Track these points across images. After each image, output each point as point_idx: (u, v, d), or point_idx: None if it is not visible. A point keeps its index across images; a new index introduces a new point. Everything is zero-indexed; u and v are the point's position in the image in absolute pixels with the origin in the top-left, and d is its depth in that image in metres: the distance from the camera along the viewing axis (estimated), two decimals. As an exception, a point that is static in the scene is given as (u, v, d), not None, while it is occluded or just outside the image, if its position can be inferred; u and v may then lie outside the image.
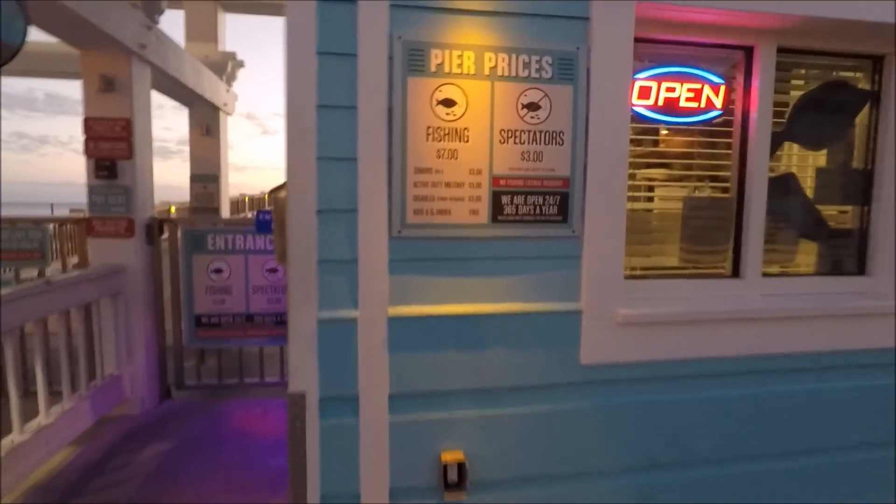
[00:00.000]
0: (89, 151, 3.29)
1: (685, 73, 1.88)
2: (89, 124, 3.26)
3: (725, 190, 1.96)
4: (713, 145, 1.96)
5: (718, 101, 1.91)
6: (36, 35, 3.21)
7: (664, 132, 1.95)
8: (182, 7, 6.09)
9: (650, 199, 2.02)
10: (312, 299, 1.50)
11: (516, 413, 1.65)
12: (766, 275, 1.94)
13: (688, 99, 1.89)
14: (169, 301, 3.75)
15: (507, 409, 1.64)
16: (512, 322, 1.62)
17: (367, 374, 1.54)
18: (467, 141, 1.52)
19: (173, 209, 9.44)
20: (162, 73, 3.85)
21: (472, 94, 1.51)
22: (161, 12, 3.46)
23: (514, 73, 1.53)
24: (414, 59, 1.47)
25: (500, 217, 1.57)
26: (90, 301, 3.18)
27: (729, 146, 1.94)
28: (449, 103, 1.50)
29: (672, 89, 1.88)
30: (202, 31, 6.07)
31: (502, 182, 1.55)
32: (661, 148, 2.03)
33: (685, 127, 1.93)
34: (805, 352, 1.84)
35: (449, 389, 1.60)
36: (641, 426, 1.73)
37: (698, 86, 1.89)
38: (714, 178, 1.98)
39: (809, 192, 2.05)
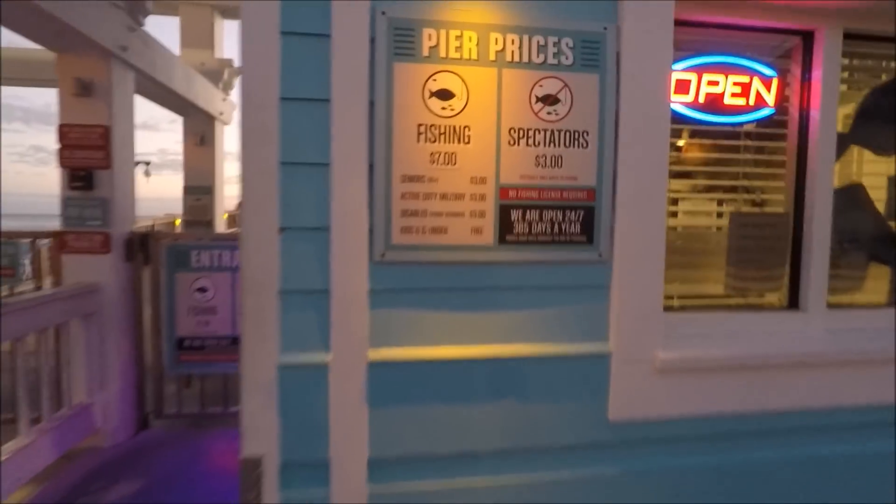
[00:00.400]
0: (63, 161, 3.04)
1: (731, 63, 1.58)
2: (64, 131, 3.02)
3: (779, 204, 1.64)
4: (765, 150, 1.64)
5: (771, 98, 1.59)
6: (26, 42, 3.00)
7: (687, 136, 1.64)
8: (177, 13, 5.94)
9: (688, 214, 1.70)
10: (272, 339, 1.20)
11: (529, 482, 1.31)
12: (831, 306, 1.60)
13: (734, 95, 1.58)
14: (150, 322, 3.47)
15: (517, 475, 1.31)
16: (523, 368, 1.30)
17: (340, 433, 1.22)
18: (468, 142, 1.22)
19: (178, 221, 9.27)
20: (148, 79, 3.62)
21: (475, 83, 1.21)
22: (146, 13, 3.23)
23: (526, 59, 1.23)
24: (402, 41, 1.18)
25: (508, 237, 1.26)
26: (58, 323, 2.90)
27: (783, 151, 1.62)
28: (445, 95, 1.20)
29: (715, 83, 1.57)
30: (198, 37, 5.89)
31: (512, 193, 1.25)
32: (702, 153, 1.71)
33: (731, 128, 1.62)
34: (885, 403, 1.50)
35: (444, 452, 1.28)
36: (685, 499, 1.39)
37: (746, 79, 1.58)
38: (766, 190, 1.66)
39: (881, 206, 1.72)
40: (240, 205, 1.18)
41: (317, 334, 1.22)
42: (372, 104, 1.18)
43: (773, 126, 1.63)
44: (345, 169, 1.18)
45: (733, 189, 1.69)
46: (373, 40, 1.17)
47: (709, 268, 1.67)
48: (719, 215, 1.67)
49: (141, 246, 3.41)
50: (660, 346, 1.35)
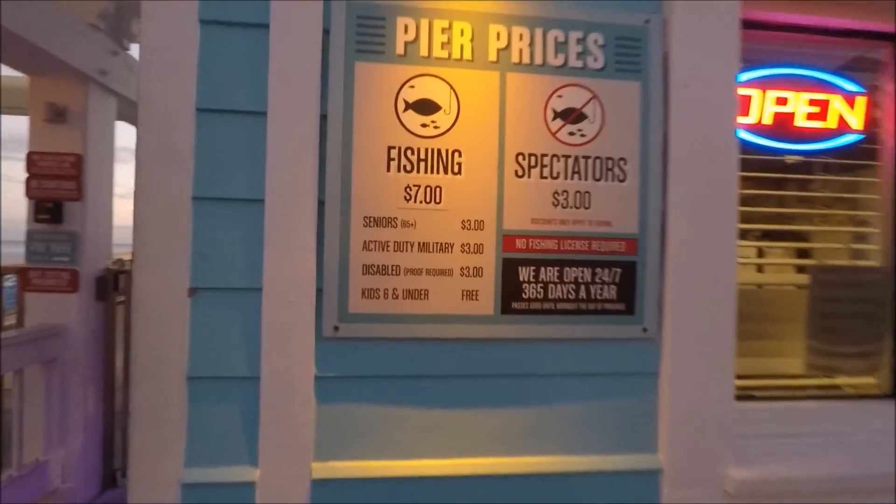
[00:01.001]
0: (30, 191, 2.78)
1: (803, 76, 1.23)
2: (32, 160, 2.77)
3: (874, 256, 1.25)
4: (853, 186, 1.27)
5: (856, 120, 1.24)
6: None
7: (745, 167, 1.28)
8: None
9: (752, 269, 1.32)
10: (174, 447, 0.83)
11: None
12: (953, 395, 1.19)
13: (809, 116, 1.23)
14: (122, 368, 3.12)
15: None
16: (537, 489, 0.91)
17: (267, 590, 0.84)
18: (458, 172, 0.87)
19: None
20: (133, 105, 3.41)
21: (468, 92, 0.88)
22: (132, 37, 3.04)
23: (539, 60, 0.89)
24: (368, 34, 0.86)
25: (515, 304, 0.89)
26: (14, 370, 2.56)
27: (876, 188, 1.25)
28: (427, 108, 0.87)
29: (783, 100, 1.22)
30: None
31: (520, 244, 0.89)
32: (766, 189, 1.35)
33: (804, 157, 1.26)
34: None
35: None
36: None
37: (823, 96, 1.23)
38: (855, 238, 1.27)
39: None
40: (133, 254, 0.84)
41: (240, 441, 0.85)
42: (324, 119, 0.85)
43: (859, 156, 1.26)
44: (284, 207, 0.84)
45: (802, 237, 1.31)
46: (327, 32, 0.85)
47: (782, 338, 1.27)
48: (798, 269, 1.28)
49: (115, 284, 3.11)
50: (731, 459, 0.95)
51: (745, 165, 1.36)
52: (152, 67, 0.81)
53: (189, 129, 0.83)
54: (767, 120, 1.21)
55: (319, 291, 0.86)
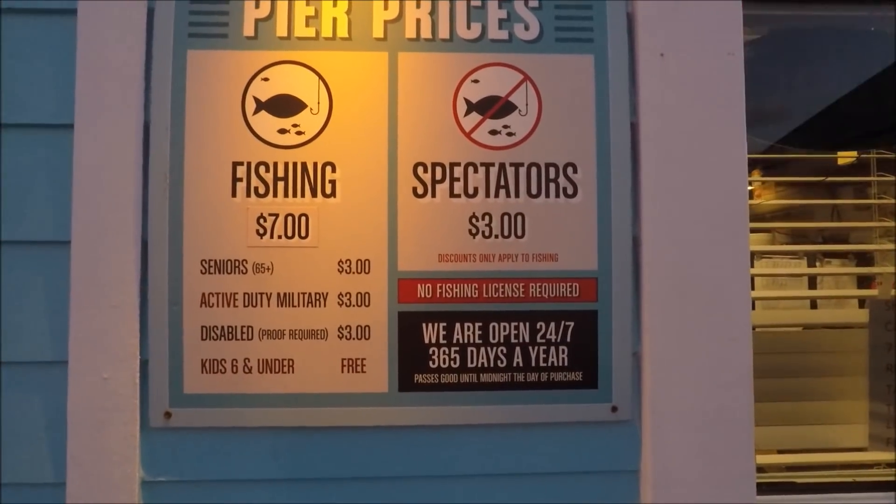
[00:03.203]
0: None
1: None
2: None
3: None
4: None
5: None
6: None
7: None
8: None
9: (770, 305, 1.00)
10: (-48, 584, 0.61)
11: None
12: None
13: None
14: None
15: None
16: None
17: None
18: (332, 194, 0.63)
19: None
20: None
21: (344, 83, 0.63)
22: None
23: (445, 34, 0.64)
24: (205, 12, 0.63)
25: (419, 377, 0.63)
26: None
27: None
28: (286, 107, 0.63)
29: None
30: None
31: (423, 292, 0.63)
32: (792, 196, 1.03)
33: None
34: None
35: None
36: None
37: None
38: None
39: None
40: None
41: (43, 571, 0.62)
42: (147, 128, 0.63)
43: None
44: (95, 251, 0.62)
45: (863, 258, 0.98)
46: (152, 13, 0.64)
47: (827, 397, 0.94)
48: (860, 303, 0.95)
49: None
50: None
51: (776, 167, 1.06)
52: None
53: (-24, 150, 0.63)
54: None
55: (144, 364, 0.62)
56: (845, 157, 1.11)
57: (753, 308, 1.19)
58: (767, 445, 0.91)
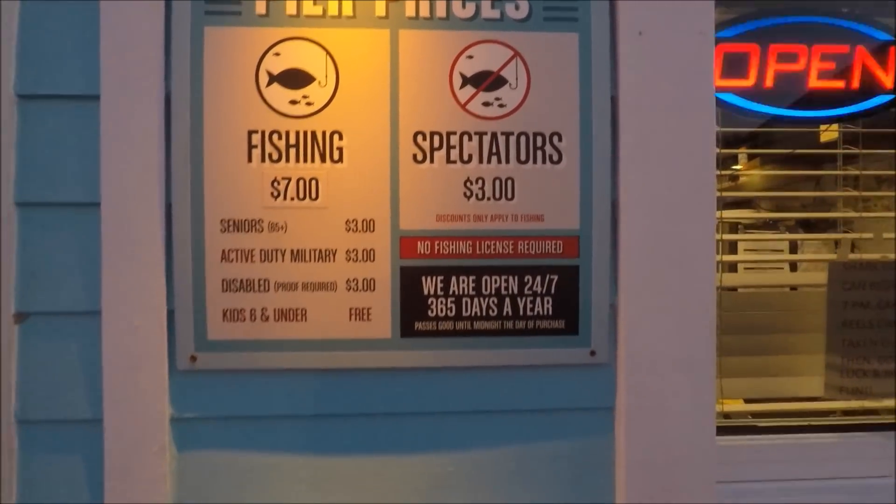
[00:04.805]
0: None
1: (815, 23, 0.98)
2: None
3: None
4: (883, 160, 1.01)
5: (889, 77, 0.98)
6: None
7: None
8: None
9: (752, 268, 1.08)
10: (3, 508, 0.69)
11: None
12: None
13: (825, 75, 0.98)
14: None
15: None
16: (455, 558, 0.72)
17: None
18: (339, 159, 0.69)
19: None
20: None
21: (350, 57, 0.69)
22: None
23: (442, 12, 0.70)
24: (220, -9, 0.69)
25: (419, 325, 0.70)
26: None
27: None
28: (297, 80, 0.69)
29: (791, 57, 0.98)
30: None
31: (423, 248, 0.70)
32: (767, 168, 1.11)
33: (820, 125, 1.01)
34: None
35: None
36: None
37: (845, 49, 0.98)
38: (887, 226, 1.02)
39: None
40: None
41: (82, 496, 0.70)
42: (168, 99, 0.69)
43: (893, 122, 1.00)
44: (124, 212, 0.68)
45: (825, 224, 1.06)
46: (170, -8, 0.69)
47: (792, 352, 1.03)
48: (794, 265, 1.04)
49: None
50: (714, 517, 0.73)
51: (744, 139, 1.12)
52: (-46, 46, 0.67)
53: (8, 120, 0.68)
54: (769, 82, 0.97)
55: (171, 314, 0.69)
56: (827, 134, 1.18)
57: (735, 271, 1.28)
58: (735, 395, 1.00)
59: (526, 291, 0.71)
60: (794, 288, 1.18)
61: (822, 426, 0.94)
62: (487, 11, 0.70)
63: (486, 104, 0.70)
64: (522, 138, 0.71)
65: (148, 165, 0.69)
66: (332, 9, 0.69)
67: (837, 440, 0.90)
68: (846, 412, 0.99)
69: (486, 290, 0.71)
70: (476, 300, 0.71)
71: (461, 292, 0.71)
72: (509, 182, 0.71)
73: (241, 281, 0.69)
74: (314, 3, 0.69)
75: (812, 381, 1.00)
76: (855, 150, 1.05)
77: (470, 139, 0.70)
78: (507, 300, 0.71)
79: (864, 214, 1.07)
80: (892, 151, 1.00)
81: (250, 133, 0.69)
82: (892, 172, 1.01)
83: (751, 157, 1.31)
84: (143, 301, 0.69)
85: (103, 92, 0.68)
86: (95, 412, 0.69)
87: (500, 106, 0.70)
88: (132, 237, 0.68)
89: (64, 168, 0.69)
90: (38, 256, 0.69)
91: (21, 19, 0.69)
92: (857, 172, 1.07)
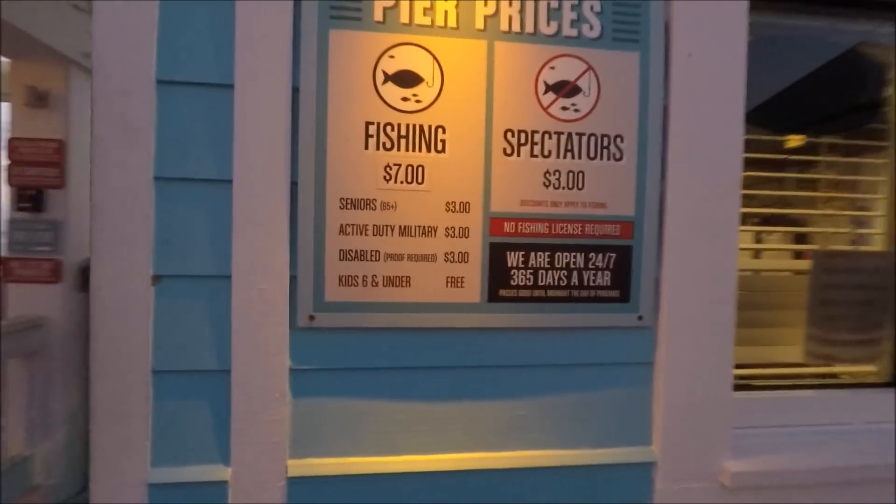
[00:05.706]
0: (12, 179, 2.70)
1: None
2: (14, 146, 2.69)
3: (880, 240, 1.20)
4: (855, 169, 1.21)
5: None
6: None
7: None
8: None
9: (751, 254, 1.27)
10: (139, 447, 0.78)
11: None
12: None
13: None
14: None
15: None
16: (525, 484, 0.87)
17: None
18: (442, 150, 0.81)
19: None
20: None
21: (453, 63, 0.81)
22: (114, 17, 2.92)
23: (531, 28, 0.83)
24: (343, -1, 0.79)
25: (503, 292, 0.84)
26: (-9, 364, 2.50)
27: (887, 160, 1.20)
28: (408, 80, 0.80)
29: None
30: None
31: (508, 227, 0.83)
32: (761, 167, 1.29)
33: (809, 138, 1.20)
34: None
35: None
36: None
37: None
38: (862, 220, 1.22)
39: None
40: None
41: (210, 438, 0.80)
42: (296, 92, 0.79)
43: (869, 137, 1.20)
44: (254, 189, 0.78)
45: (802, 222, 1.26)
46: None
47: (781, 325, 1.23)
48: (796, 255, 1.24)
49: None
50: (728, 451, 0.91)
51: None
52: (107, 34, 0.74)
53: (149, 102, 0.76)
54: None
55: (293, 279, 0.80)
56: (794, 139, 1.37)
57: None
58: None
59: (590, 266, 0.86)
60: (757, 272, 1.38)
61: (802, 385, 1.14)
62: (567, 30, 0.84)
63: (564, 108, 0.84)
64: (592, 138, 0.85)
65: (275, 148, 0.78)
66: (439, 20, 0.81)
67: (817, 395, 1.11)
68: (819, 375, 1.19)
69: (558, 263, 0.85)
70: (550, 272, 0.85)
71: (538, 265, 0.85)
72: (580, 175, 0.85)
73: (356, 251, 0.80)
74: (424, 14, 0.80)
75: (794, 349, 1.20)
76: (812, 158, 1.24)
77: (550, 137, 0.84)
78: (575, 273, 0.86)
79: (828, 212, 1.28)
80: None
81: (367, 124, 0.80)
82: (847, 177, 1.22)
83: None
84: (268, 267, 0.79)
85: (237, 81, 0.78)
86: (222, 363, 0.79)
87: (576, 111, 0.84)
88: (261, 210, 0.78)
89: (197, 147, 0.78)
90: (172, 226, 0.78)
91: (161, 10, 0.77)
92: (817, 176, 1.26)
